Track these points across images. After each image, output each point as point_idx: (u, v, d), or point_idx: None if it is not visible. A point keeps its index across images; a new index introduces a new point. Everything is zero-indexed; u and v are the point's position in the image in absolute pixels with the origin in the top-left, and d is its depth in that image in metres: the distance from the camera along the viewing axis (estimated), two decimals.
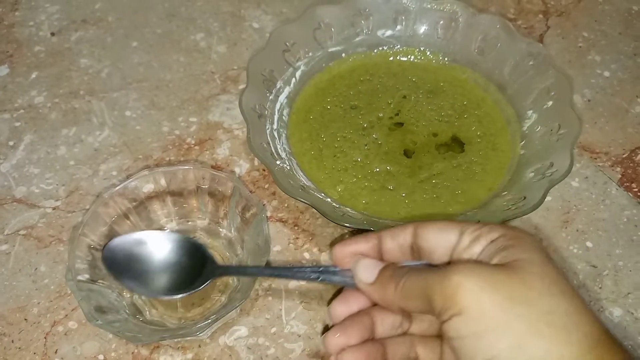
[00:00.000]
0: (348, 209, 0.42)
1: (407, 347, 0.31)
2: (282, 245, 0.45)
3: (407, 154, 0.47)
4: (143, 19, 0.62)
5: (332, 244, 0.45)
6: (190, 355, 0.39)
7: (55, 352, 0.40)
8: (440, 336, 0.31)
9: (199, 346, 0.40)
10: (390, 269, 0.29)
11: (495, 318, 0.24)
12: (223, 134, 0.52)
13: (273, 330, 0.41)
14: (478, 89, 0.51)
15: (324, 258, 0.44)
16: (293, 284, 0.43)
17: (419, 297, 0.27)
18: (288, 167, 0.44)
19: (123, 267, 0.35)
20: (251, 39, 0.60)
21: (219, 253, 0.43)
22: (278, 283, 0.43)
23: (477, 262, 0.27)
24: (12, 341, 0.40)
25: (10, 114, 0.53)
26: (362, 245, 0.31)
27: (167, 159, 0.50)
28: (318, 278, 0.32)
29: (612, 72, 0.58)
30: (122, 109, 0.54)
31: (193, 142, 0.52)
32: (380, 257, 0.31)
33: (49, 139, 0.52)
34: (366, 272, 0.30)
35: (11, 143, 0.51)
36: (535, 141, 0.45)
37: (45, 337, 0.40)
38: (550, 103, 0.45)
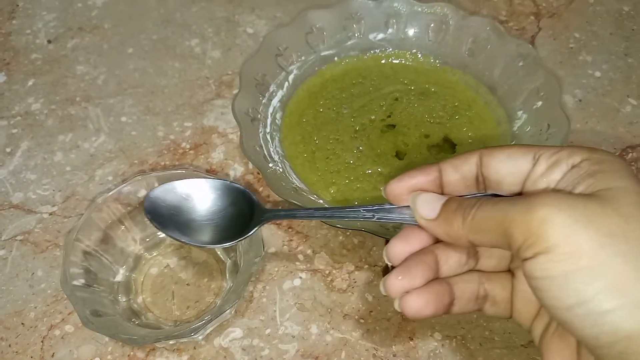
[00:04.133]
0: None
1: (475, 284, 0.29)
2: (276, 247, 0.45)
3: (399, 155, 0.48)
4: (139, 25, 0.63)
5: (325, 245, 0.45)
6: (185, 357, 0.40)
7: (52, 355, 0.40)
8: (509, 271, 0.29)
9: (194, 348, 0.40)
10: (455, 202, 0.26)
11: (591, 256, 0.21)
12: (218, 138, 0.53)
13: (267, 331, 0.41)
14: (469, 90, 0.51)
15: (318, 260, 0.45)
16: (287, 284, 0.43)
17: (493, 230, 0.24)
18: (281, 170, 0.44)
19: (166, 217, 0.33)
20: (245, 44, 0.61)
21: (214, 256, 0.44)
22: (272, 284, 0.43)
23: (564, 192, 0.23)
24: (10, 345, 0.41)
25: (8, 121, 0.54)
26: (420, 178, 0.28)
27: (162, 163, 0.51)
28: (373, 217, 0.29)
29: (603, 72, 0.59)
30: (118, 115, 0.55)
31: (188, 146, 0.52)
32: (440, 191, 0.28)
33: (45, 145, 0.52)
34: (427, 207, 0.27)
35: (8, 150, 0.52)
36: (525, 141, 0.45)
37: (42, 341, 0.41)
38: (539, 103, 0.46)
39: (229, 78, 0.58)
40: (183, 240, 0.34)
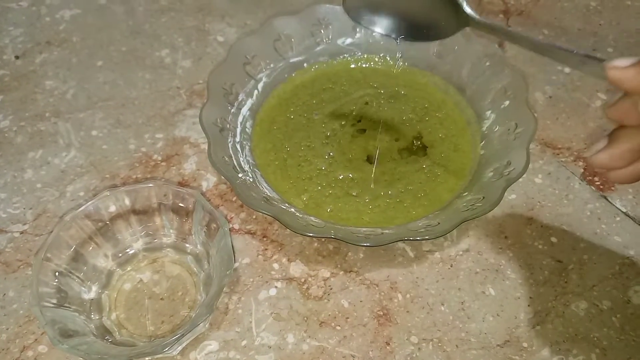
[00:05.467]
0: (312, 217, 0.43)
1: None
2: (251, 257, 0.45)
3: (370, 159, 0.48)
4: (107, 37, 0.63)
5: (300, 252, 0.45)
6: None
7: None
8: None
9: None
10: None
11: None
12: (189, 148, 0.52)
13: (244, 343, 0.41)
14: (438, 92, 0.52)
15: (294, 268, 0.45)
16: (263, 295, 0.43)
17: None
18: (251, 180, 0.44)
19: (363, 13, 0.35)
20: (216, 53, 0.61)
21: (187, 269, 0.44)
22: (248, 295, 0.43)
23: None
24: None
25: None
26: None
27: (134, 176, 0.51)
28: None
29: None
30: (88, 129, 0.54)
31: (160, 158, 0.52)
32: None
33: (15, 162, 0.52)
34: (621, 60, 0.26)
35: None
36: (494, 141, 0.46)
37: None
38: (507, 102, 0.46)
39: (201, 87, 0.57)
40: (384, 34, 0.36)
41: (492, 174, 0.43)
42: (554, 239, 0.46)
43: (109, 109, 0.56)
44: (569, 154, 0.52)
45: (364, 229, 0.41)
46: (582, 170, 0.51)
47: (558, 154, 0.52)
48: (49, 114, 0.55)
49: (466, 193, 0.43)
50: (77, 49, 0.62)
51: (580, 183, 0.50)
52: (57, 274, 0.39)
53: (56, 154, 0.52)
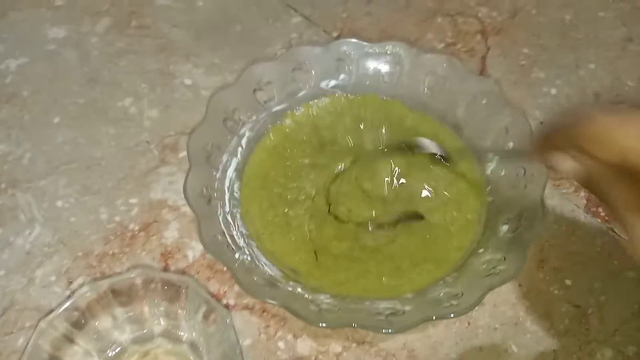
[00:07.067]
0: (322, 296, 0.39)
1: None
2: (252, 338, 0.41)
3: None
4: (62, 88, 0.57)
5: (306, 326, 0.41)
6: None
7: None
8: None
9: None
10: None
11: None
12: (169, 213, 0.48)
13: None
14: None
15: (301, 345, 0.41)
16: None
17: None
18: (249, 258, 0.40)
19: None
20: (185, 98, 0.56)
21: (184, 359, 0.39)
22: None
23: None
24: None
25: None
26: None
27: (111, 252, 0.46)
28: None
29: (558, 88, 0.57)
30: (52, 200, 0.49)
31: (137, 227, 0.47)
32: None
33: None
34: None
35: None
36: (502, 187, 0.43)
37: None
38: (510, 144, 0.44)
39: (172, 140, 0.53)
40: None
41: (506, 227, 0.40)
42: (568, 282, 0.44)
43: (73, 173, 0.50)
44: (569, 185, 0.50)
45: (382, 305, 0.38)
46: (585, 202, 0.49)
47: (559, 186, 0.50)
48: (4, 185, 0.50)
49: (482, 250, 0.40)
50: (28, 105, 0.56)
51: (585, 216, 0.48)
52: None
53: (18, 233, 0.47)
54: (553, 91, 0.57)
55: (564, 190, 0.49)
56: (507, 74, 0.59)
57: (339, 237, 0.42)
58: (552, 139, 0.30)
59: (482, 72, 0.58)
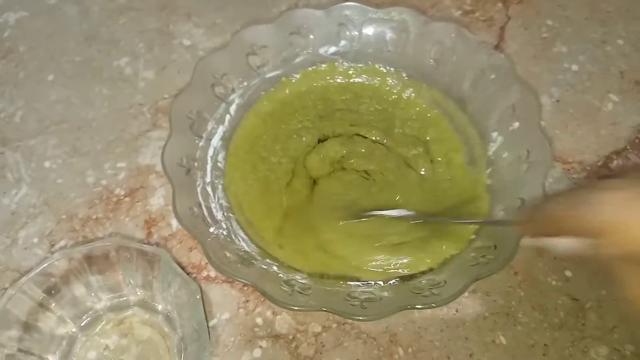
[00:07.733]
0: (298, 276, 0.37)
1: None
2: (230, 312, 0.40)
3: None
4: (59, 45, 0.55)
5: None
6: None
7: None
8: None
9: None
10: None
11: None
12: (156, 179, 0.46)
13: None
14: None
15: (280, 322, 0.39)
16: (246, 357, 0.38)
17: None
18: (225, 232, 0.38)
19: None
20: (182, 60, 0.54)
21: (158, 330, 0.38)
22: (229, 358, 0.38)
23: None
24: None
25: None
26: None
27: (94, 216, 0.44)
28: None
29: (580, 64, 0.53)
30: (40, 160, 0.48)
31: (123, 192, 0.46)
32: None
33: None
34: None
35: None
36: (502, 170, 0.40)
37: None
38: (516, 124, 0.40)
39: (166, 103, 0.51)
40: None
41: (502, 213, 0.38)
42: (568, 273, 0.42)
43: (63, 133, 0.49)
44: (581, 169, 0.47)
45: (360, 289, 0.36)
46: None
47: (569, 169, 0.46)
48: None
49: (473, 236, 0.38)
50: (24, 61, 0.54)
51: None
52: (4, 357, 0.34)
53: (5, 192, 0.46)
54: (574, 67, 0.53)
55: (574, 175, 0.46)
56: (527, 46, 0.55)
57: (309, 210, 0.40)
58: (546, 226, 0.27)
59: (500, 43, 0.55)
